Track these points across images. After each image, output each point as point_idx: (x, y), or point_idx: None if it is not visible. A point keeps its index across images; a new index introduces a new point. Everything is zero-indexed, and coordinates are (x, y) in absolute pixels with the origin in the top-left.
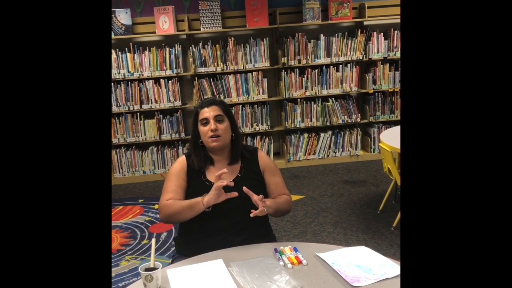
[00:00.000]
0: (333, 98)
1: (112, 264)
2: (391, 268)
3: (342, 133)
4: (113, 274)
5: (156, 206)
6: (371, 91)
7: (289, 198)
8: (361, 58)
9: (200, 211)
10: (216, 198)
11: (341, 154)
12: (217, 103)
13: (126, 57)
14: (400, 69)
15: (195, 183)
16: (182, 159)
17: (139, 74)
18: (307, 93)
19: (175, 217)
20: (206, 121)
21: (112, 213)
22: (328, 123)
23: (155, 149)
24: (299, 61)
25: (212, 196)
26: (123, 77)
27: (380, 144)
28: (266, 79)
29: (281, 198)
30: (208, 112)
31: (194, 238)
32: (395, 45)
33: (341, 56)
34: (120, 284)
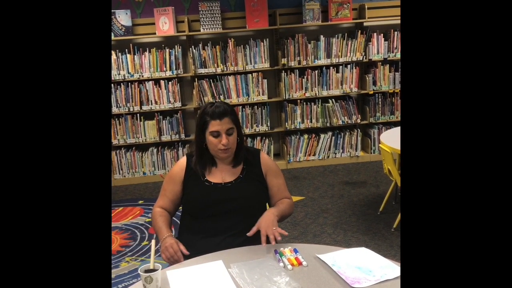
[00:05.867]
0: (333, 99)
1: (111, 266)
2: (392, 269)
3: (342, 134)
4: (112, 276)
5: None
6: (371, 92)
7: (291, 201)
8: (361, 59)
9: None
10: (166, 254)
11: (341, 155)
12: (228, 114)
13: (126, 58)
14: (400, 70)
15: (194, 184)
16: (183, 160)
17: (139, 75)
18: (307, 94)
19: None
20: (217, 134)
21: (112, 214)
22: (328, 124)
23: (155, 150)
24: (299, 62)
25: (166, 249)
26: (123, 78)
27: (380, 145)
28: (266, 80)
29: (283, 203)
30: (220, 126)
31: (194, 239)
32: (395, 46)
33: (341, 57)
34: (120, 286)
